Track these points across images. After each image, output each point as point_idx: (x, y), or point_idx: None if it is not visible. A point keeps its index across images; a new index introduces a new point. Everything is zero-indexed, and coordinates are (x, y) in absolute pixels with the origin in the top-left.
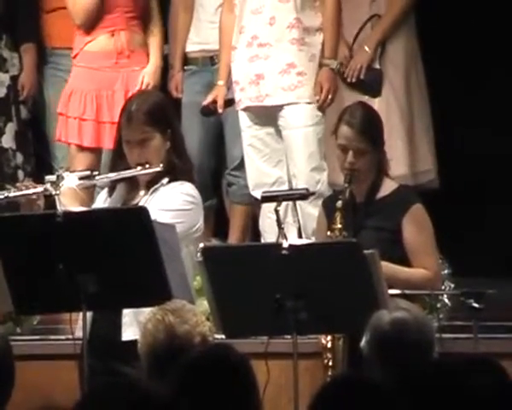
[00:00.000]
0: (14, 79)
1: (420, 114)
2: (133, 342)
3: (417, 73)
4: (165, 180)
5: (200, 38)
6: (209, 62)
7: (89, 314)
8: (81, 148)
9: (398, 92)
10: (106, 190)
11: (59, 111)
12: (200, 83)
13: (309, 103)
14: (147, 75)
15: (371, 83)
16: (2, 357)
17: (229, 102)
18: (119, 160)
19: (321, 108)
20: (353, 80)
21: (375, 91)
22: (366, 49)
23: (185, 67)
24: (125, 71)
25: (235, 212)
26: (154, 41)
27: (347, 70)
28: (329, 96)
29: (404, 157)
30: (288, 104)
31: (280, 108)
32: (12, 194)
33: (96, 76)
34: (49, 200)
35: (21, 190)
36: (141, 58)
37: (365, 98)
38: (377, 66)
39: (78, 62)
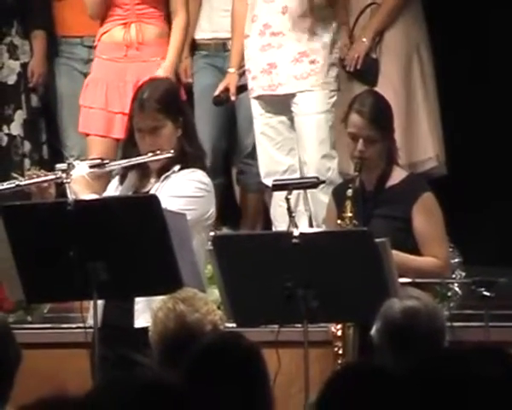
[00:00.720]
0: (25, 66)
1: (422, 103)
2: (145, 330)
3: (420, 61)
4: (177, 167)
5: (212, 26)
6: (222, 49)
7: (100, 302)
8: (96, 137)
9: (395, 82)
10: (117, 178)
11: (80, 103)
12: (212, 67)
13: (321, 89)
14: (161, 70)
15: (367, 73)
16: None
17: (242, 89)
18: (130, 148)
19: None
20: (351, 70)
21: (371, 81)
22: (363, 39)
23: (196, 52)
24: (136, 63)
25: (247, 200)
26: (173, 34)
27: (346, 59)
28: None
29: (400, 147)
30: (301, 92)
31: (292, 95)
32: (23, 182)
33: (108, 67)
34: (61, 188)
35: (32, 178)
36: (156, 49)
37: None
38: (374, 55)
39: (96, 53)
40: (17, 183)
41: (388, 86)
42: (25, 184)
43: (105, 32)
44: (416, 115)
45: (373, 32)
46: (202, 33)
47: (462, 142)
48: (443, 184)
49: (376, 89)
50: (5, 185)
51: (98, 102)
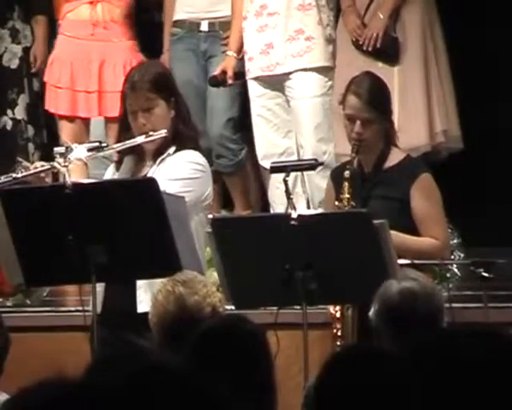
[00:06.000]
0: (27, 50)
1: (437, 78)
2: (147, 314)
3: (434, 38)
4: (172, 150)
5: (186, 7)
6: (196, 28)
7: (102, 287)
8: (66, 117)
9: (415, 60)
10: (113, 164)
11: (45, 79)
12: (188, 52)
13: (318, 72)
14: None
15: (388, 51)
16: None
17: (238, 75)
18: (125, 132)
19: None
20: (370, 49)
21: (393, 60)
22: (380, 15)
23: (172, 31)
24: (102, 42)
25: (229, 182)
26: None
27: (362, 38)
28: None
29: (426, 123)
30: (297, 71)
31: (289, 76)
32: (20, 175)
33: (73, 44)
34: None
35: (29, 170)
36: (122, 30)
37: (379, 66)
38: (393, 33)
39: (61, 30)
40: (14, 176)
41: (409, 64)
42: (22, 176)
43: (70, 10)
44: (433, 92)
45: (389, 9)
46: (178, 15)
47: (470, 124)
48: (443, 166)
49: (398, 68)
50: (2, 179)
51: (64, 82)
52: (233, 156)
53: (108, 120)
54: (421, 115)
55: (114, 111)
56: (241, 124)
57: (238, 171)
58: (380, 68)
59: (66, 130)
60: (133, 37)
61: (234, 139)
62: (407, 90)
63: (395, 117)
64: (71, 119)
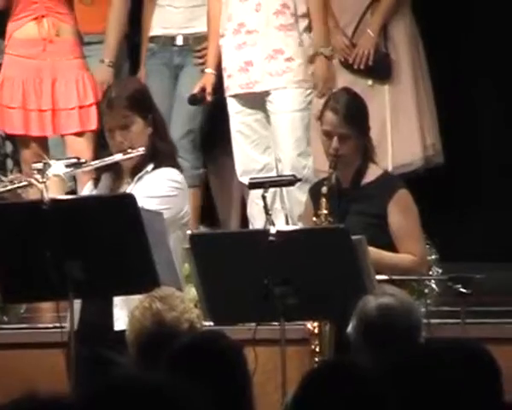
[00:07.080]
0: (1, 66)
1: (424, 93)
2: (124, 332)
3: (419, 52)
4: (150, 167)
5: (161, 23)
6: (170, 42)
7: (79, 303)
8: (21, 142)
9: (407, 76)
10: (91, 181)
11: None
12: (161, 67)
13: (297, 87)
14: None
15: (379, 68)
16: None
17: (215, 91)
18: (103, 150)
19: (322, 97)
20: (362, 67)
21: (385, 76)
22: (370, 33)
23: (148, 47)
24: (53, 59)
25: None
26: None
27: (353, 57)
28: (328, 85)
29: (419, 138)
30: (276, 89)
31: (268, 93)
32: None
33: (23, 64)
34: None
35: (6, 186)
36: (70, 47)
37: (369, 83)
38: (383, 49)
39: (8, 50)
40: None
41: (400, 80)
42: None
43: (16, 29)
44: (423, 105)
45: (378, 26)
46: (154, 30)
47: (443, 134)
48: (422, 181)
49: (389, 86)
50: None
51: (16, 102)
52: (191, 170)
53: (64, 138)
54: (415, 132)
55: (69, 128)
56: (206, 140)
57: (194, 187)
58: (370, 86)
59: (23, 154)
60: (82, 55)
61: (191, 152)
62: (400, 107)
63: (388, 134)
64: (25, 143)
